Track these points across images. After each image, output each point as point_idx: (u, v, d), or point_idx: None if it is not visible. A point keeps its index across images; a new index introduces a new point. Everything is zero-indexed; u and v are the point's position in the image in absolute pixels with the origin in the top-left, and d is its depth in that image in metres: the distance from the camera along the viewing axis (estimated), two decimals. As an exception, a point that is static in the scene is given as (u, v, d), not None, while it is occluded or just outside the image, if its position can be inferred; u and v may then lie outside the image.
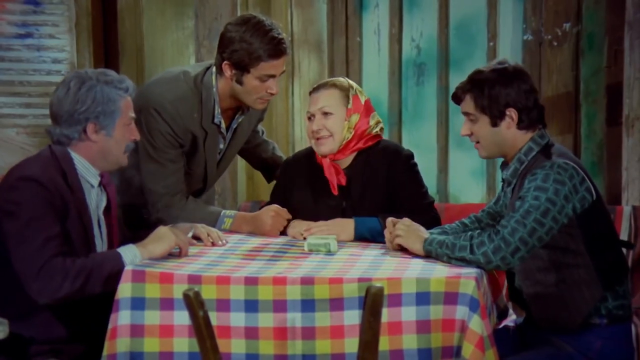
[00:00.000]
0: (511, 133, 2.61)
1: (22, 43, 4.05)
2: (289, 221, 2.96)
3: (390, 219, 2.69)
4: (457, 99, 2.66)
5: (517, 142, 2.62)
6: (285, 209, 2.97)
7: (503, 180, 2.72)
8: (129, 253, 2.53)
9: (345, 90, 2.95)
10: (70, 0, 4.05)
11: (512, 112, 2.59)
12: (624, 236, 3.67)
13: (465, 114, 2.64)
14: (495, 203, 2.82)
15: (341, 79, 3.03)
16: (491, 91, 2.58)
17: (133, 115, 2.67)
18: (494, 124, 2.60)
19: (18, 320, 2.50)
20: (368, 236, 2.86)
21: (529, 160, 2.60)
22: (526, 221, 2.48)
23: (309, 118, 2.97)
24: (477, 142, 2.66)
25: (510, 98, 2.58)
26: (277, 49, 2.89)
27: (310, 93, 3.01)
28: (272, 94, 2.96)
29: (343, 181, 2.95)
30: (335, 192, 2.95)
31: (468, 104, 2.62)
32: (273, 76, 2.92)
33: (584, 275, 2.56)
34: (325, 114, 2.92)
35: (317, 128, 2.92)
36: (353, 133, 2.94)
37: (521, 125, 2.60)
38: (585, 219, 2.54)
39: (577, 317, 2.57)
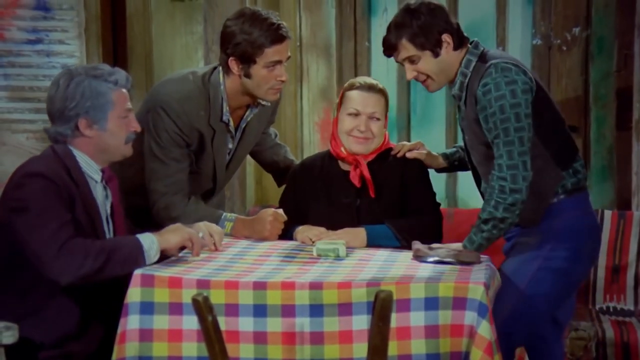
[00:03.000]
0: (450, 56, 2.73)
1: (32, 49, 4.07)
2: (286, 224, 2.96)
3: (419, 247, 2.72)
4: (391, 49, 2.77)
5: (456, 61, 2.74)
6: (282, 213, 2.97)
7: (453, 97, 2.81)
8: (147, 239, 2.54)
9: (387, 98, 3.04)
10: (80, 5, 4.06)
11: (446, 37, 2.71)
12: (634, 243, 3.66)
13: (405, 60, 2.75)
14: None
15: (379, 83, 3.06)
16: (422, 26, 2.70)
17: (129, 106, 2.66)
18: (436, 54, 2.72)
19: (27, 319, 2.50)
20: (380, 242, 2.86)
21: (471, 72, 2.71)
22: (510, 137, 2.59)
23: (352, 114, 2.98)
24: (425, 79, 2.76)
25: (439, 25, 2.71)
26: (277, 33, 2.90)
27: (354, 88, 3.01)
28: (282, 81, 2.96)
29: (369, 178, 3.00)
30: (373, 194, 2.97)
31: (406, 48, 2.73)
32: (279, 62, 2.93)
33: (542, 164, 2.66)
34: (374, 118, 2.98)
35: (365, 129, 2.97)
36: (384, 139, 3.04)
37: (456, 44, 2.72)
38: (533, 109, 2.63)
39: (544, 204, 2.68)
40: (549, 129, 2.69)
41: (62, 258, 2.44)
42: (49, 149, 2.63)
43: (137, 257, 2.49)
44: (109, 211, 2.68)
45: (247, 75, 2.94)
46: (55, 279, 2.46)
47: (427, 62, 2.73)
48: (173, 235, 2.58)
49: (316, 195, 3.03)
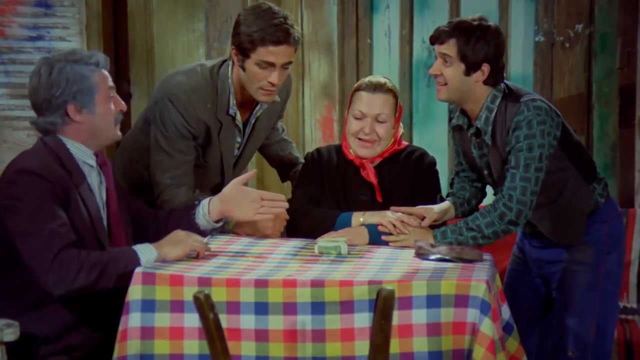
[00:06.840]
0: (477, 86, 2.76)
1: (33, 45, 4.06)
2: (288, 222, 2.95)
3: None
4: (437, 40, 2.77)
5: (479, 94, 2.77)
6: (285, 211, 2.95)
7: (474, 133, 2.82)
8: (145, 252, 2.52)
9: (396, 98, 2.98)
10: (81, 2, 4.06)
11: (486, 67, 2.74)
12: (637, 240, 3.65)
13: (442, 55, 2.76)
14: (464, 162, 2.98)
15: (389, 82, 3.00)
16: (476, 43, 2.73)
17: (112, 85, 2.63)
18: (467, 73, 2.75)
19: (28, 313, 2.50)
20: (382, 240, 2.85)
21: (497, 107, 2.76)
22: (529, 174, 2.69)
23: (357, 117, 2.94)
24: (444, 85, 2.77)
25: (488, 55, 2.74)
26: (275, 35, 2.84)
27: (361, 89, 2.96)
28: (272, 84, 2.90)
29: (375, 182, 2.97)
30: (380, 198, 2.95)
31: (450, 47, 2.74)
32: (272, 65, 2.88)
33: (574, 182, 2.81)
34: (380, 120, 2.93)
35: (369, 131, 2.92)
36: (393, 139, 2.99)
37: (488, 80, 2.76)
38: (563, 138, 2.76)
39: (583, 219, 2.81)
40: (575, 150, 2.81)
41: (55, 270, 2.43)
42: (38, 141, 2.61)
43: (132, 272, 2.44)
44: (104, 197, 2.66)
45: (243, 68, 2.93)
46: (49, 289, 2.46)
47: (455, 72, 2.74)
48: (174, 248, 2.56)
49: (332, 186, 3.00)
